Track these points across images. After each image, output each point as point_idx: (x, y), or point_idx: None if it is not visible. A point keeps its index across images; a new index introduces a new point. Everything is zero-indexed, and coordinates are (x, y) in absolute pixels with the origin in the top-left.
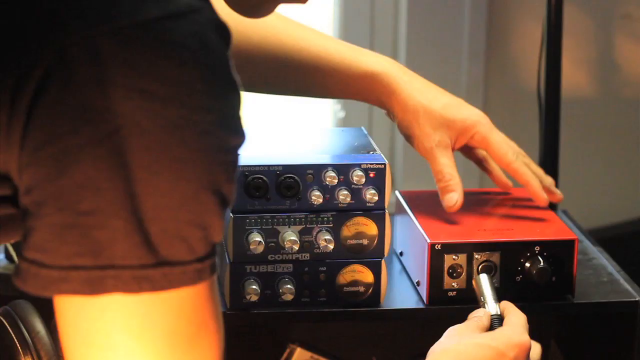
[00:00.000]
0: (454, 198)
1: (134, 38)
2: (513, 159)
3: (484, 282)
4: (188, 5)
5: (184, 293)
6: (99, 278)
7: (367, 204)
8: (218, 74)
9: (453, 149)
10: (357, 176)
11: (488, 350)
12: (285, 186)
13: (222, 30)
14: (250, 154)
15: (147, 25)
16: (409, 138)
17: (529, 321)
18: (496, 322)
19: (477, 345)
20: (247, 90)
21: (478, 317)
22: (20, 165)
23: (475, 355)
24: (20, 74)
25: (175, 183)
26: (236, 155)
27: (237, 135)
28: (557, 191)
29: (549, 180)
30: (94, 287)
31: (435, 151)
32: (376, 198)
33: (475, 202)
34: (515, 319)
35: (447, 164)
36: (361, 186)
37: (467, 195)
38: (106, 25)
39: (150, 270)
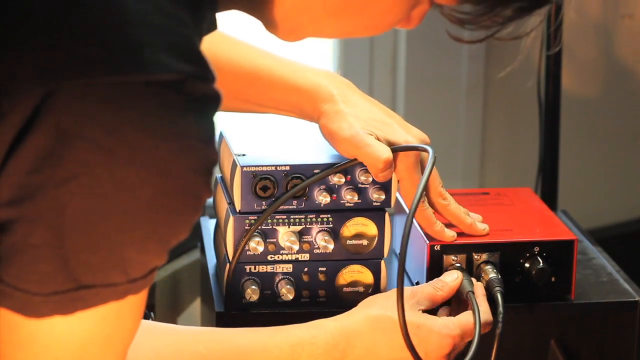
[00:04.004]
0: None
1: (107, 96)
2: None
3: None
4: (172, 73)
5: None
6: (40, 303)
7: (374, 204)
8: (183, 146)
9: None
10: (364, 176)
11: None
12: (292, 186)
13: (206, 101)
14: (257, 155)
15: (122, 87)
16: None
17: (529, 322)
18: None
19: (398, 326)
20: None
21: (442, 283)
22: None
23: (390, 337)
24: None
25: (122, 232)
26: (194, 213)
27: (196, 198)
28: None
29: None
30: (33, 311)
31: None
32: (383, 197)
33: (474, 202)
34: (464, 317)
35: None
36: (368, 186)
37: (466, 196)
38: (82, 79)
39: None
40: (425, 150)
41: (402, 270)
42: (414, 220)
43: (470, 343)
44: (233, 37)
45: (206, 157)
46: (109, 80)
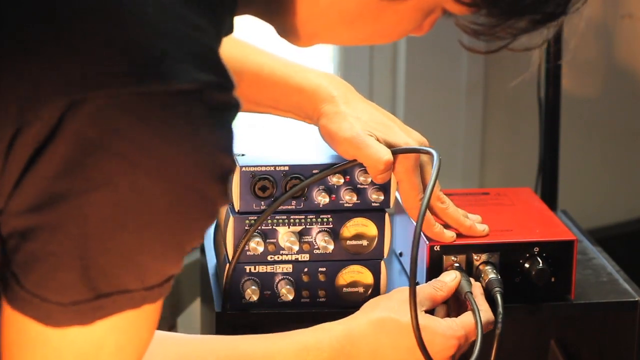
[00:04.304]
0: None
1: (130, 107)
2: (418, 205)
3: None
4: (193, 82)
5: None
6: (59, 312)
7: (373, 204)
8: (203, 155)
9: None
10: (363, 176)
11: (407, 338)
12: (291, 187)
13: (225, 109)
14: (256, 155)
15: (144, 98)
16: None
17: (529, 322)
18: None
19: (403, 328)
20: None
21: (441, 283)
22: (10, 194)
23: (394, 339)
24: (21, 125)
25: (139, 239)
26: (210, 220)
27: (213, 205)
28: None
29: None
30: (51, 319)
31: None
32: (382, 198)
33: (474, 202)
34: (467, 318)
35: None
36: (367, 186)
37: (466, 196)
38: (105, 90)
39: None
40: (429, 153)
41: (414, 274)
42: (412, 221)
43: (474, 343)
44: (234, 36)
45: (224, 165)
46: (132, 91)
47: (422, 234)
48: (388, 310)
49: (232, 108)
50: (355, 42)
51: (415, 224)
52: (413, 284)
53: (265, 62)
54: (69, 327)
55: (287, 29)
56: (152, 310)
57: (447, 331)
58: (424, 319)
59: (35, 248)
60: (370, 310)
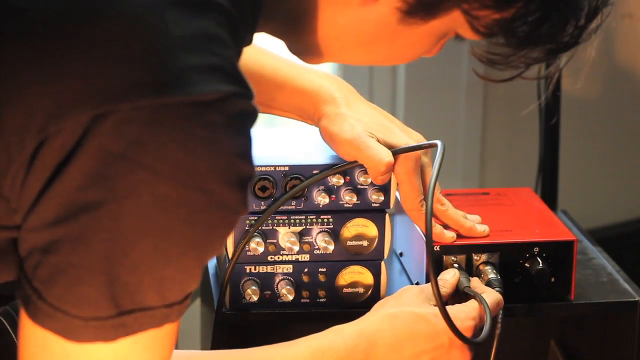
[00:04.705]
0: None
1: (151, 118)
2: (418, 206)
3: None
4: (214, 92)
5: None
6: (79, 327)
7: (373, 205)
8: (222, 162)
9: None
10: (363, 177)
11: (425, 325)
12: (291, 187)
13: (245, 117)
14: (256, 155)
15: (166, 109)
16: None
17: (528, 322)
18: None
19: (418, 317)
20: None
21: (443, 281)
22: (29, 209)
23: (411, 328)
24: (44, 138)
25: (161, 250)
26: (229, 228)
27: (233, 213)
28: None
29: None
30: (73, 334)
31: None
32: (382, 198)
33: (474, 202)
34: (473, 303)
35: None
36: (367, 187)
37: (466, 196)
38: (129, 103)
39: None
40: (434, 146)
41: (432, 266)
42: (412, 221)
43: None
44: None
45: (242, 172)
46: (154, 103)
47: (422, 234)
48: (399, 305)
49: (251, 116)
50: (368, 62)
51: (415, 224)
52: (433, 274)
53: (267, 61)
54: (91, 342)
55: (302, 48)
56: (171, 329)
57: (460, 314)
58: (434, 308)
59: (59, 261)
60: (380, 308)
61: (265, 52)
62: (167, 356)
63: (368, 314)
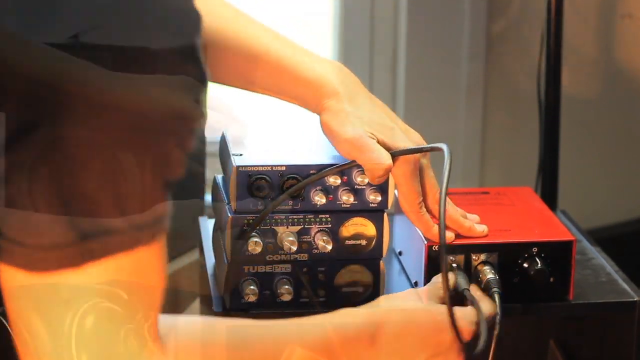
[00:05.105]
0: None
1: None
2: (417, 209)
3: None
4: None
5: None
6: (41, 258)
7: (371, 205)
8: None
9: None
10: (360, 177)
11: (432, 321)
12: (288, 187)
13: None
14: (253, 155)
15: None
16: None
17: (527, 322)
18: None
19: (426, 312)
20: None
21: (439, 283)
22: None
23: (418, 321)
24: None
25: (110, 165)
26: (183, 137)
27: (183, 123)
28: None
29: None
30: (34, 266)
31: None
32: (379, 199)
33: (474, 202)
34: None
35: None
36: (364, 187)
37: (465, 195)
38: None
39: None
40: (440, 149)
41: (445, 262)
42: (412, 222)
43: (478, 337)
44: (245, 14)
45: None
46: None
47: (421, 234)
48: (406, 301)
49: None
50: None
51: (415, 225)
52: (445, 271)
53: (272, 46)
54: (57, 271)
55: None
56: (151, 254)
57: (467, 317)
58: (439, 307)
59: (8, 192)
60: (387, 301)
61: (271, 34)
62: (155, 283)
63: (373, 302)
